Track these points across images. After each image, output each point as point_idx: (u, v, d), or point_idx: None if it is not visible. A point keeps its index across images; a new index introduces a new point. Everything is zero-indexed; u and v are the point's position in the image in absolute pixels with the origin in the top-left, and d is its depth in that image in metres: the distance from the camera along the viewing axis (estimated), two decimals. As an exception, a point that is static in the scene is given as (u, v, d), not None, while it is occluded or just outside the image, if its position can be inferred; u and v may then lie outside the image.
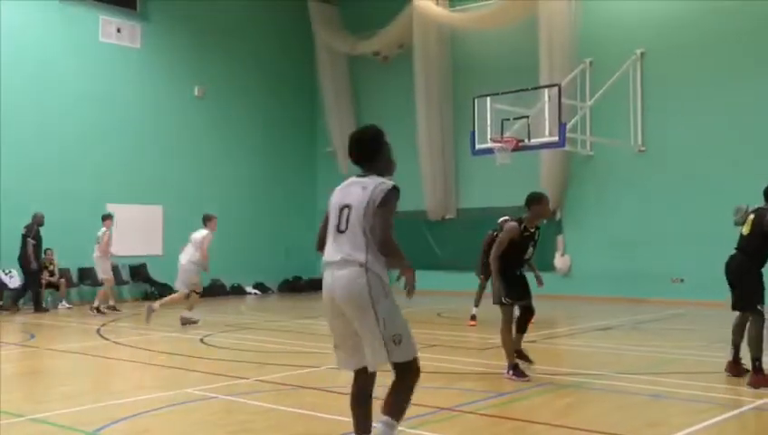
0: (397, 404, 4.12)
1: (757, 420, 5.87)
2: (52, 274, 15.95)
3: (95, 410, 6.28)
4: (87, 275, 16.79)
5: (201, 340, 10.55)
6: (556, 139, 14.11)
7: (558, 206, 17.50)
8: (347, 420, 5.69)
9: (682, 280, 15.58)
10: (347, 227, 4.08)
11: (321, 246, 4.28)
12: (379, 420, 4.14)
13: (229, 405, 6.35)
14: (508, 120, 14.58)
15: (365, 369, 4.22)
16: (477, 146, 15.08)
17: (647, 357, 8.88)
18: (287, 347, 10.05)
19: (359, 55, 20.36)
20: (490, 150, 14.78)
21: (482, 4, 17.99)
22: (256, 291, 19.54)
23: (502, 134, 14.54)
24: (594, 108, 15.88)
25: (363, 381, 4.29)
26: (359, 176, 4.27)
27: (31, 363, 9.04)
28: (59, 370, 8.78)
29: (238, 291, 19.49)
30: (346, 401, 6.55)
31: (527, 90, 15.07)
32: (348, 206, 4.13)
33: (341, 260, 4.04)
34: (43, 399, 6.79)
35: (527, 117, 14.37)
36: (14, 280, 16.00)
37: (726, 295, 7.44)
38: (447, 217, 18.97)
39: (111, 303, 15.01)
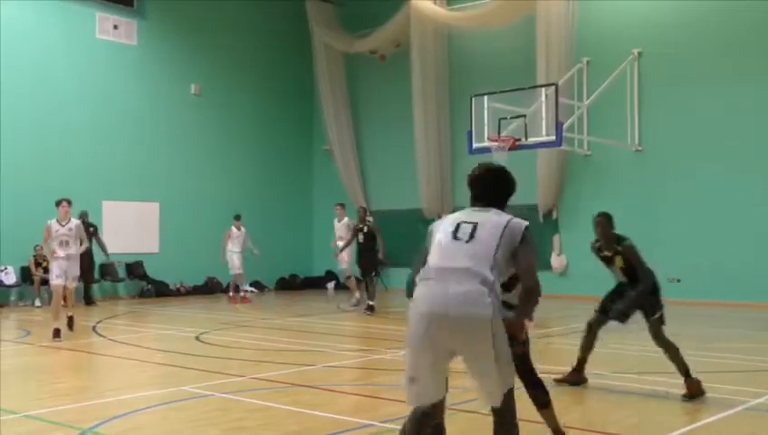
0: None
1: (751, 420, 5.88)
2: (45, 270, 15.89)
3: (90, 407, 6.27)
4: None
5: (197, 338, 10.53)
6: (553, 138, 14.11)
7: (554, 205, 17.51)
8: (341, 418, 5.69)
9: (678, 280, 15.58)
10: (471, 239, 3.55)
11: (416, 273, 3.74)
12: None
13: (224, 403, 6.34)
14: (505, 118, 14.57)
15: (440, 402, 3.72)
16: (474, 145, 15.07)
17: (642, 357, 8.88)
18: (283, 345, 10.04)
19: (355, 54, 20.34)
20: (487, 149, 14.76)
21: (479, 3, 17.96)
22: (253, 289, 19.50)
23: (499, 133, 14.53)
24: (591, 107, 15.88)
25: (433, 409, 3.70)
26: (479, 208, 3.82)
27: (26, 360, 9.02)
28: (54, 367, 8.75)
29: (234, 289, 19.43)
30: (341, 399, 6.56)
31: (524, 89, 15.07)
32: (472, 223, 3.65)
33: (464, 269, 3.45)
34: (38, 396, 6.77)
35: (524, 116, 14.37)
36: (10, 276, 15.97)
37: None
38: (443, 215, 18.95)
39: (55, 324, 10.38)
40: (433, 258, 3.63)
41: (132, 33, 18.30)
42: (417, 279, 3.65)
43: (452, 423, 5.64)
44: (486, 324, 3.39)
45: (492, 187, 3.91)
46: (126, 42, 18.15)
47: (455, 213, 3.87)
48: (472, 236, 3.57)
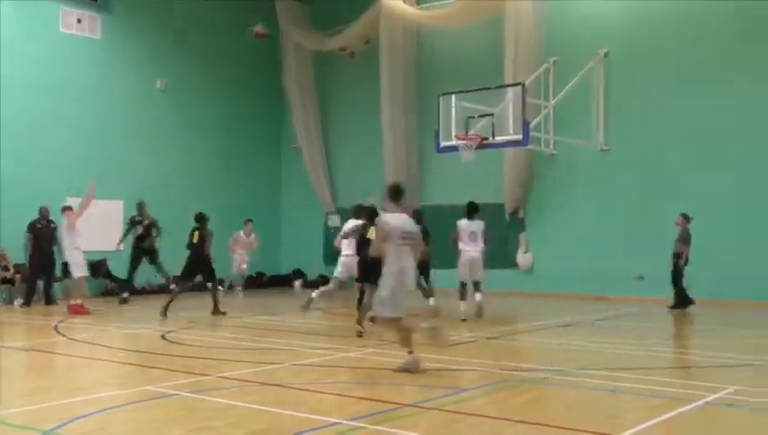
0: None
1: (710, 415, 6.00)
2: (6, 268, 15.61)
3: (51, 408, 6.16)
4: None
5: (163, 336, 10.43)
6: (520, 137, 14.21)
7: (521, 204, 17.67)
8: (308, 416, 5.69)
9: (642, 278, 15.83)
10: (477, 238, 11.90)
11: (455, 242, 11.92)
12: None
13: (190, 402, 6.29)
14: (473, 117, 14.64)
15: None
16: (442, 143, 15.10)
17: (605, 353, 9.01)
18: (249, 344, 9.98)
19: (324, 52, 20.29)
20: (455, 148, 14.83)
21: (448, 2, 18.03)
22: (220, 287, 19.33)
23: (466, 132, 14.60)
24: (558, 107, 16.04)
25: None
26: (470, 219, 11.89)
27: (-14, 360, 8.84)
28: (14, 368, 8.58)
29: (201, 287, 19.25)
30: (308, 397, 6.56)
31: (492, 88, 15.15)
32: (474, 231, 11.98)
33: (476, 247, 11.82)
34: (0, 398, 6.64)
35: (492, 115, 14.45)
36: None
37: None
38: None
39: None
40: (465, 243, 11.94)
41: (96, 27, 18.03)
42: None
43: (415, 420, 5.69)
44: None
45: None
46: (90, 36, 17.88)
47: (466, 223, 11.76)
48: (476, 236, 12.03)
